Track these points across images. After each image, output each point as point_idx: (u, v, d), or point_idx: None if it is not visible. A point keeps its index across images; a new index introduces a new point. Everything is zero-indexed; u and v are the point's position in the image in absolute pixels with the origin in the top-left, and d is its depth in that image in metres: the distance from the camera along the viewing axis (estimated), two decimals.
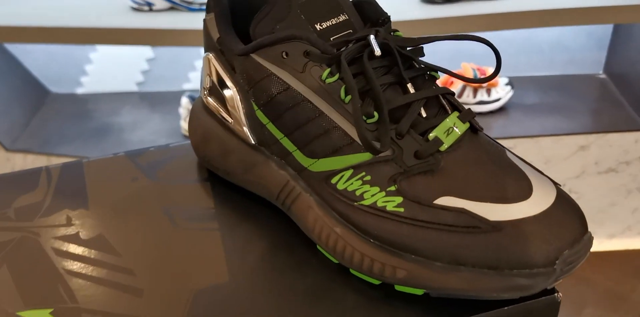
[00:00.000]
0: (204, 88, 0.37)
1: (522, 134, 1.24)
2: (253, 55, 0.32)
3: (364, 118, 0.30)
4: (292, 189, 0.34)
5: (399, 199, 0.30)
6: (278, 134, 0.33)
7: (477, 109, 1.28)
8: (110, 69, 1.55)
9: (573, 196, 1.16)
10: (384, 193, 0.30)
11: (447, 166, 0.30)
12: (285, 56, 0.31)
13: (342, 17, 0.32)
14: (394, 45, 0.31)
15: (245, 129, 0.35)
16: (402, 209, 0.29)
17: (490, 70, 1.27)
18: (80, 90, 1.56)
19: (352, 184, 0.31)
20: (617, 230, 1.33)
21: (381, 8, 0.33)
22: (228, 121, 0.36)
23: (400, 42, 0.31)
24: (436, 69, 0.32)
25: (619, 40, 1.33)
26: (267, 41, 0.31)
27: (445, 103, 0.32)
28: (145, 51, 1.56)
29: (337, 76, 0.31)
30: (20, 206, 0.37)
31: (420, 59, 0.32)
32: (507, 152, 0.32)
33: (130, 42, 1.26)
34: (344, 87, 0.31)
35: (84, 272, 0.33)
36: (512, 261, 0.28)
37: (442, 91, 0.32)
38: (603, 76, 1.38)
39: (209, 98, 0.37)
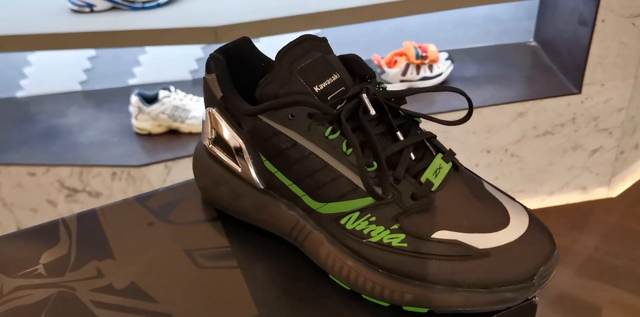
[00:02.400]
0: (207, 138, 0.41)
1: (465, 107, 1.31)
2: (261, 116, 0.36)
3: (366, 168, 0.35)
4: (303, 227, 0.38)
5: (402, 236, 0.35)
6: (287, 181, 0.38)
7: (420, 84, 1.35)
8: (51, 70, 1.53)
9: (515, 159, 1.29)
10: (388, 231, 0.35)
11: (439, 204, 0.35)
12: (291, 117, 0.35)
13: (335, 77, 0.36)
14: (382, 99, 0.36)
15: (254, 175, 0.39)
16: (405, 244, 0.35)
17: (431, 47, 1.33)
18: (20, 94, 1.53)
19: (359, 224, 0.36)
20: (556, 187, 1.44)
21: (366, 64, 0.37)
22: (236, 169, 0.40)
23: (386, 95, 0.36)
24: (418, 115, 0.37)
25: (546, 9, 1.41)
26: (275, 105, 0.35)
27: (429, 146, 0.37)
28: (86, 50, 1.53)
29: (338, 133, 0.35)
30: (48, 261, 0.41)
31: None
32: (485, 184, 0.37)
33: (73, 46, 1.25)
34: (345, 141, 0.35)
35: None
36: (500, 280, 0.33)
37: (427, 136, 0.37)
38: (534, 44, 1.47)
39: (213, 147, 0.41)
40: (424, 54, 1.32)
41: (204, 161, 0.42)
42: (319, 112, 0.35)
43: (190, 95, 1.35)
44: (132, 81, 1.51)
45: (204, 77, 0.40)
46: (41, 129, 1.46)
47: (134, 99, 1.33)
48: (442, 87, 0.37)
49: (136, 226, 0.43)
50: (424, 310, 0.35)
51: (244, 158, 0.39)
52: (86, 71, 1.52)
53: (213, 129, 0.40)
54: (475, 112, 1.46)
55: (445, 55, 1.35)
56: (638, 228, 1.35)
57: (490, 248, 0.34)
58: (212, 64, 0.39)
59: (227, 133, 0.39)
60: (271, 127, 0.36)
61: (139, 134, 1.38)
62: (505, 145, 1.35)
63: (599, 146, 1.38)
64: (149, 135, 1.37)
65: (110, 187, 1.37)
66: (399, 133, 0.36)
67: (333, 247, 0.37)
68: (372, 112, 0.35)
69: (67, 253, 0.41)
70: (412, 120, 0.37)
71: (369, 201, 0.35)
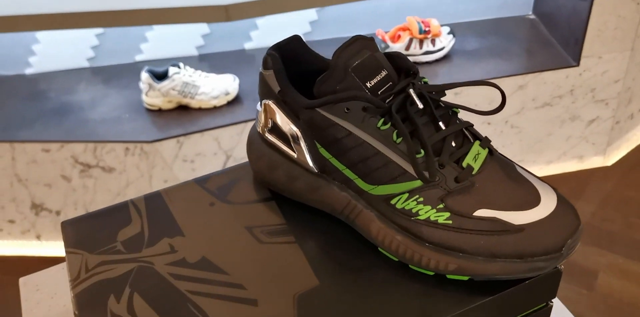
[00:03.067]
0: (262, 126, 0.45)
1: (467, 79, 1.35)
2: (318, 109, 0.41)
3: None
4: (354, 207, 0.43)
5: (447, 214, 0.40)
6: (340, 166, 0.42)
7: (423, 58, 1.38)
8: (59, 47, 1.55)
9: (515, 130, 1.35)
10: (435, 210, 0.40)
11: (479, 185, 0.40)
12: (347, 110, 0.40)
13: (383, 73, 0.40)
14: (426, 93, 0.40)
15: (309, 161, 0.43)
16: (450, 222, 0.40)
17: (434, 22, 1.36)
18: (29, 71, 1.56)
19: (408, 204, 0.41)
20: (554, 156, 1.50)
21: (409, 60, 0.41)
22: (291, 154, 0.44)
23: (429, 89, 0.41)
24: (457, 106, 0.42)
25: None
26: (333, 100, 0.40)
27: (467, 134, 0.41)
28: None
29: (389, 124, 0.40)
30: (125, 239, 0.45)
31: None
32: (516, 167, 0.42)
33: (83, 25, 1.28)
34: (395, 131, 0.40)
35: (204, 291, 0.41)
36: (533, 251, 0.39)
37: (466, 125, 0.41)
38: (533, 17, 1.50)
39: (269, 134, 0.45)
40: (427, 29, 1.35)
41: (258, 146, 0.47)
42: (372, 106, 0.40)
43: (199, 72, 1.38)
44: (139, 57, 1.53)
45: (260, 73, 0.44)
46: (53, 106, 1.49)
47: (144, 75, 1.36)
48: (478, 81, 0.42)
49: (199, 206, 0.47)
50: (466, 278, 0.40)
51: (299, 145, 0.43)
52: (94, 48, 1.54)
53: (269, 119, 0.44)
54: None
55: (447, 29, 1.39)
56: (633, 195, 1.42)
57: (524, 224, 0.39)
58: (269, 60, 0.43)
59: (284, 123, 0.44)
60: (328, 119, 0.41)
61: (149, 110, 1.42)
62: (505, 117, 1.40)
63: (595, 117, 1.44)
64: (160, 111, 1.41)
65: (123, 162, 1.41)
66: (441, 123, 0.41)
67: (383, 224, 0.42)
68: (420, 105, 0.39)
69: (140, 231, 0.46)
70: (451, 110, 0.42)
71: (417, 183, 0.40)
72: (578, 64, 1.35)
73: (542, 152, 1.49)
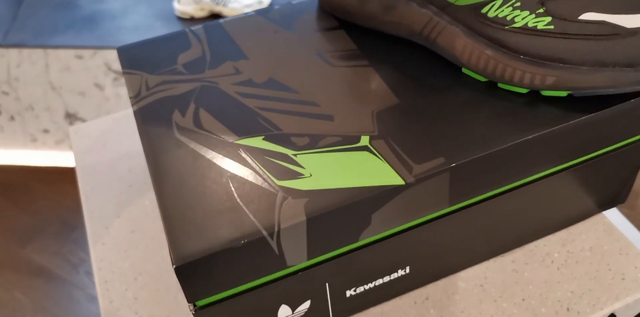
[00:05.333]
0: None
1: None
2: None
3: None
4: (437, 23, 0.39)
5: (548, 19, 0.36)
6: None
7: None
8: None
9: None
10: (533, 15, 0.36)
11: None
12: None
13: None
14: None
15: None
16: (552, 26, 0.36)
17: None
18: None
19: (502, 11, 0.36)
20: None
21: None
22: None
23: None
24: None
25: None
26: None
27: None
28: None
29: None
30: (185, 62, 0.42)
31: None
32: None
33: None
34: None
35: (274, 107, 0.38)
36: None
37: None
38: None
39: None
40: None
41: None
42: None
43: None
44: None
45: None
46: (84, 14, 1.45)
47: None
48: None
49: (262, 33, 0.44)
50: (564, 93, 0.37)
51: None
52: None
53: None
54: None
55: None
56: None
57: (638, 27, 0.35)
58: None
59: None
60: None
61: (181, 19, 1.38)
62: None
63: None
64: (191, 19, 1.37)
65: None
66: None
67: (470, 40, 0.38)
68: None
69: (202, 55, 0.43)
70: None
71: None
72: None
73: None
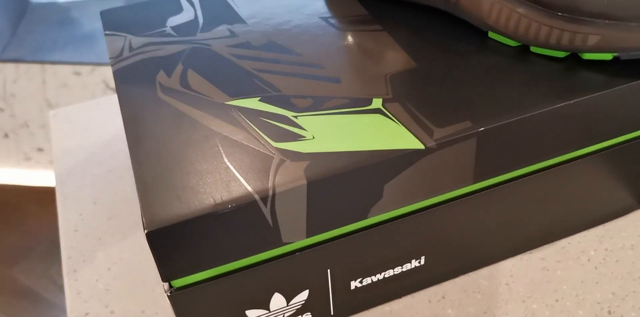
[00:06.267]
0: None
1: None
2: None
3: None
4: None
5: None
6: None
7: None
8: None
9: None
10: None
11: None
12: None
13: None
14: None
15: None
16: None
17: None
18: None
19: None
20: None
21: None
22: None
23: None
24: None
25: None
26: None
27: None
28: None
29: None
30: (175, 24, 0.38)
31: None
32: None
33: None
34: None
35: (273, 69, 0.34)
36: None
37: None
38: None
39: None
40: None
41: None
42: None
43: None
44: None
45: None
46: (84, 31, 1.43)
47: None
48: None
49: None
50: (609, 56, 0.32)
51: None
52: None
53: None
54: None
55: None
56: None
57: None
58: None
59: None
60: None
61: None
62: None
63: None
64: None
65: None
66: None
67: None
68: None
69: (194, 18, 0.38)
70: None
71: None
72: None
73: None
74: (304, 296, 0.32)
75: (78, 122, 0.48)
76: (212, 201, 0.26)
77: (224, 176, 0.27)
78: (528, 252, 0.38)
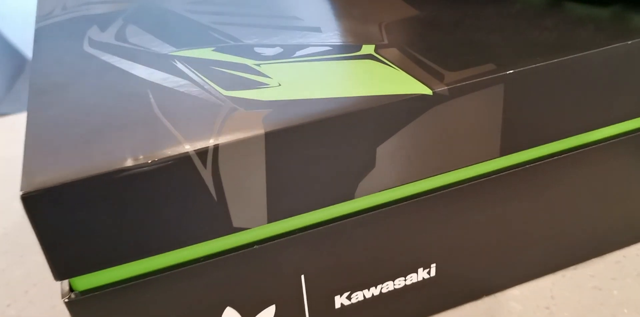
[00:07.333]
0: None
1: None
2: None
3: None
4: None
5: None
6: None
7: None
8: None
9: None
10: None
11: None
12: None
13: None
14: None
15: None
16: None
17: None
18: None
19: None
20: None
21: None
22: None
23: None
24: None
25: None
26: None
27: None
28: None
29: None
30: None
31: None
32: None
33: None
34: None
35: (236, 21, 0.26)
36: None
37: None
38: None
39: None
40: None
41: None
42: None
43: None
44: None
45: None
46: None
47: None
48: None
49: None
50: None
51: None
52: None
53: None
54: None
55: None
56: None
57: None
58: None
59: None
60: None
61: None
62: None
63: None
64: None
65: None
66: None
67: None
68: None
69: None
70: None
71: None
72: None
73: None
74: (269, 313, 0.23)
75: (19, 132, 0.40)
76: (123, 156, 0.18)
77: (151, 127, 0.19)
78: (572, 267, 0.30)
